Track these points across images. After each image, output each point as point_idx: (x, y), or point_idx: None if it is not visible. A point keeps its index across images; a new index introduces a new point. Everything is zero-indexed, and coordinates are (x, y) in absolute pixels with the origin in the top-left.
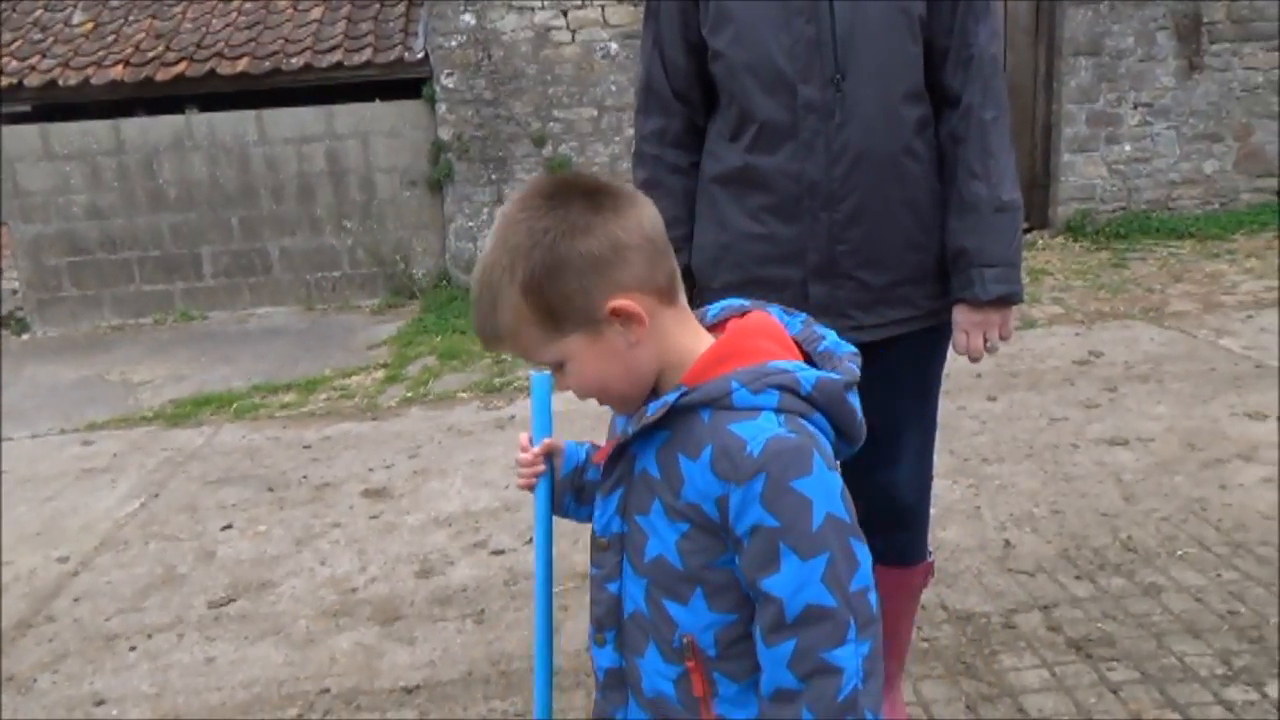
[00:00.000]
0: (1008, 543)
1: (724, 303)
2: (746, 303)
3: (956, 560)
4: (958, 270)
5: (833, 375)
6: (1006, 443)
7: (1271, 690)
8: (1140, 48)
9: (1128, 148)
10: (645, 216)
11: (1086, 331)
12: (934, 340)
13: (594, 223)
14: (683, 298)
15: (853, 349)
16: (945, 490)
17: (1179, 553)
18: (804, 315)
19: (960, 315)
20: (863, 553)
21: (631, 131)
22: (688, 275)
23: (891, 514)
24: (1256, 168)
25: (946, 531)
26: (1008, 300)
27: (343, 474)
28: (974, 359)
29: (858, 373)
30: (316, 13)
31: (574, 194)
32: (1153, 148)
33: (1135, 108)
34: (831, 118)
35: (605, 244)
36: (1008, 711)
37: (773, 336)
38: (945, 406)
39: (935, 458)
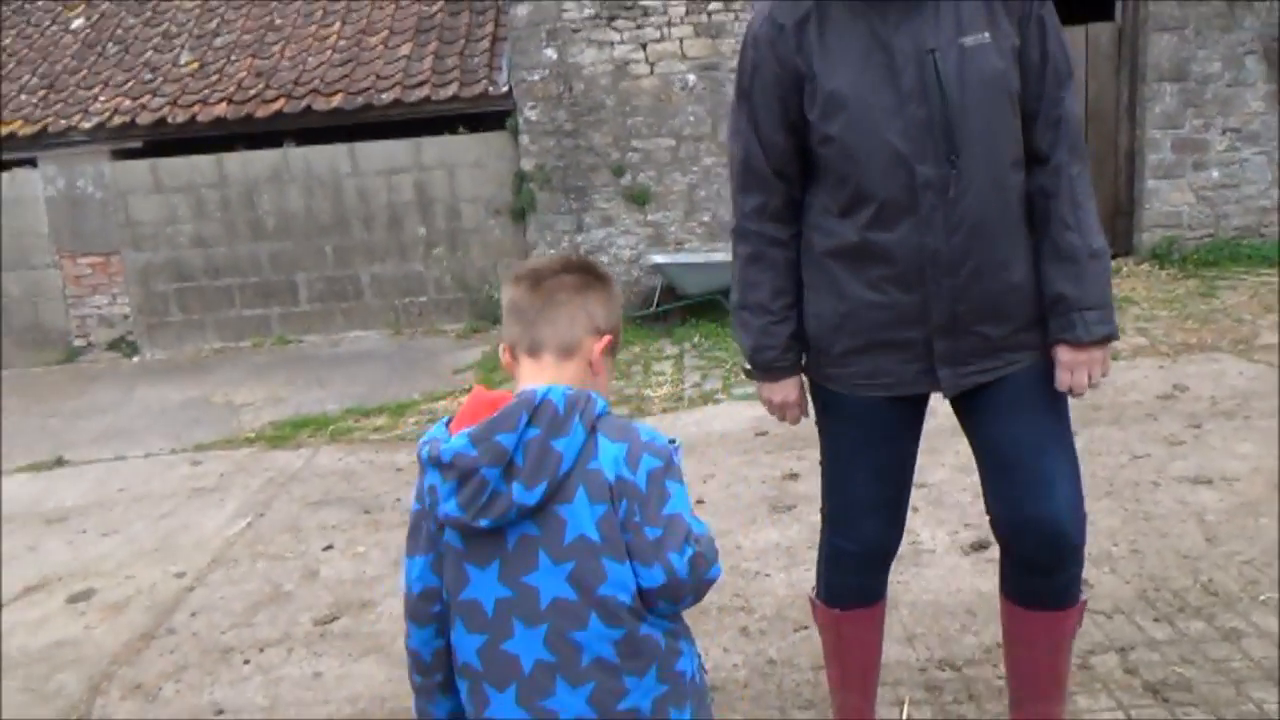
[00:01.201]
0: (1085, 582)
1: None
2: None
3: None
4: (1058, 314)
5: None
6: (1086, 479)
7: None
8: (1228, 73)
9: (1215, 174)
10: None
11: (1171, 364)
12: (1049, 370)
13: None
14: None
15: None
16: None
17: (1261, 598)
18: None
19: (1065, 355)
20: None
21: (709, 161)
22: (798, 341)
23: (1055, 552)
24: None
25: None
26: (1108, 339)
27: None
28: (1077, 395)
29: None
30: (406, 49)
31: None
32: (1241, 173)
33: (1223, 133)
34: (947, 193)
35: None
36: None
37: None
38: None
39: None
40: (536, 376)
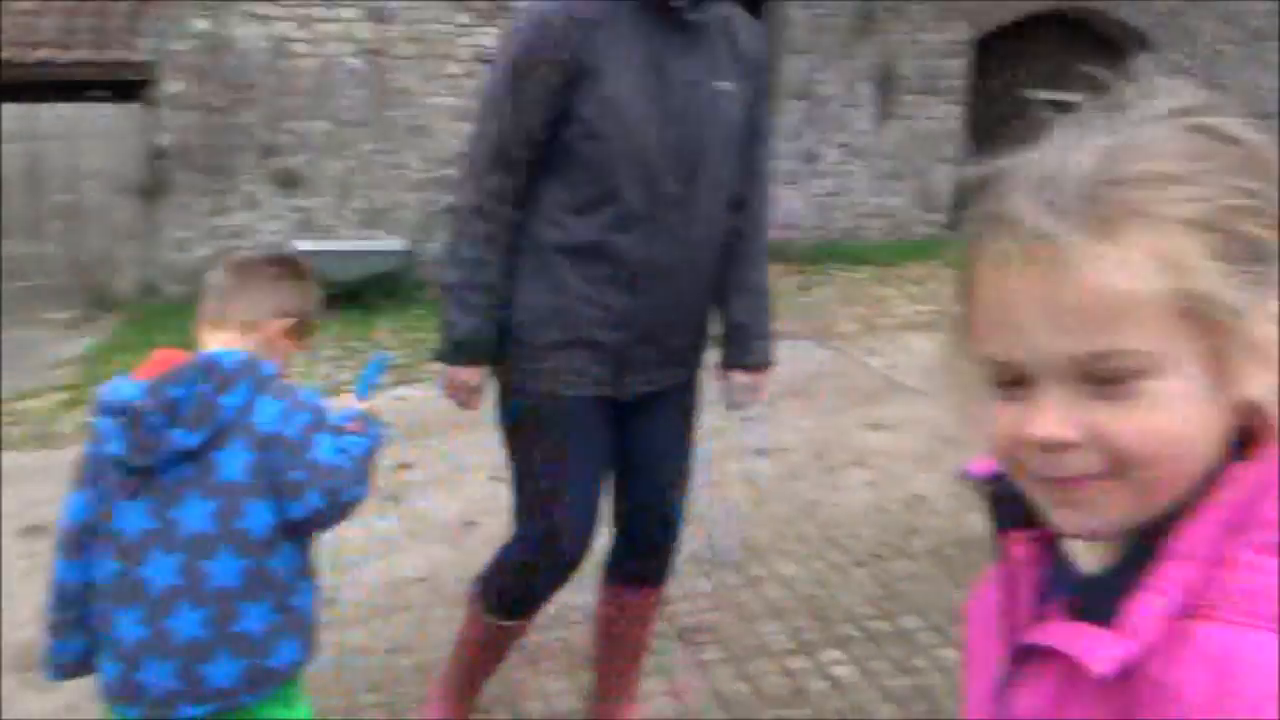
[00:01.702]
0: None
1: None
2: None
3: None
4: (737, 341)
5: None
6: None
7: (825, 657)
8: (844, 94)
9: (828, 183)
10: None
11: None
12: (695, 384)
13: None
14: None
15: None
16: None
17: (785, 548)
18: None
19: (741, 378)
20: None
21: (368, 147)
22: (501, 330)
23: (666, 538)
24: (930, 203)
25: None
26: (772, 364)
27: None
28: (742, 409)
29: None
30: (31, 4)
31: None
32: (848, 183)
33: (836, 147)
34: (682, 210)
35: None
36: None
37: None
38: None
39: None
40: (217, 344)
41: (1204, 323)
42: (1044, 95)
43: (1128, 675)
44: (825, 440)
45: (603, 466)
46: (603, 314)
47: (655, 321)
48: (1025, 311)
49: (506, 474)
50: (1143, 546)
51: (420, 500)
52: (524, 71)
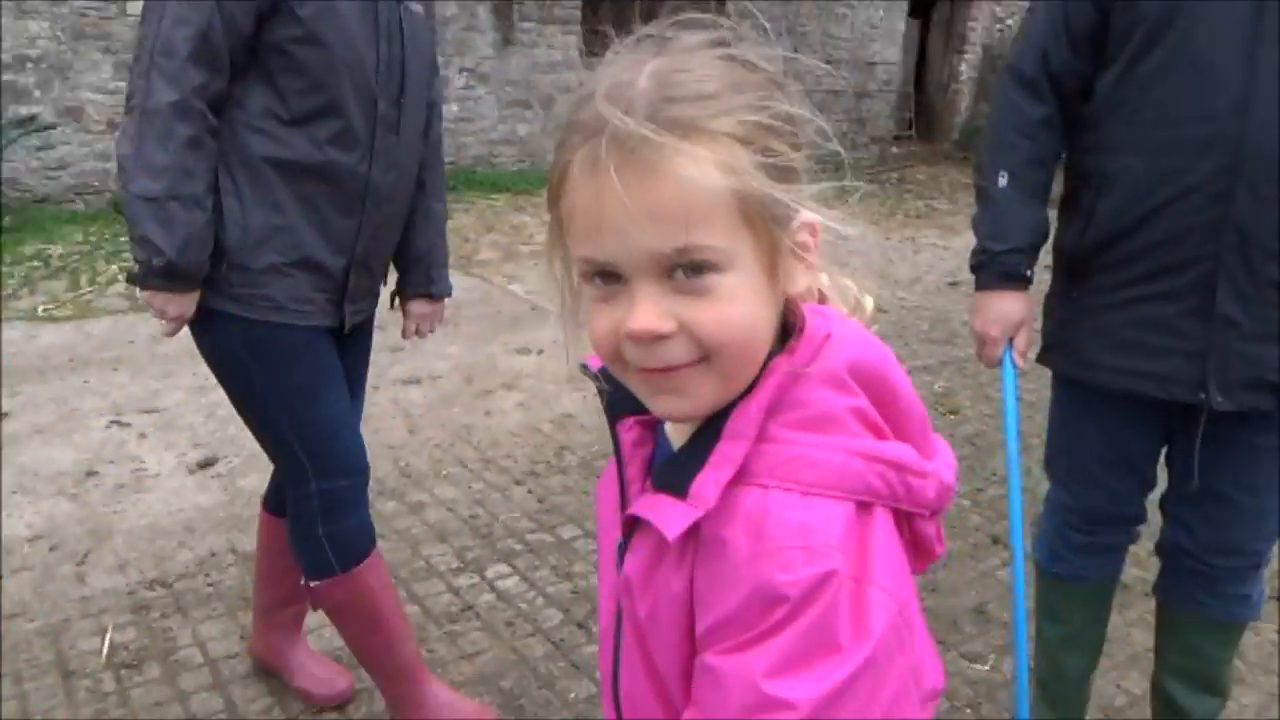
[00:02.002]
0: None
1: None
2: None
3: (252, 505)
4: (418, 269)
5: None
6: None
7: (490, 573)
8: (463, 18)
9: (455, 108)
10: None
11: None
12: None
13: None
14: None
15: None
16: (252, 440)
17: (443, 473)
18: None
19: (421, 307)
20: None
21: None
22: (210, 246)
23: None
24: None
25: (248, 479)
26: (450, 293)
27: None
28: (420, 338)
29: None
30: None
31: None
32: (476, 109)
33: (460, 72)
34: (394, 132)
35: None
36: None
37: None
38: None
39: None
40: None
41: (759, 226)
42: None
43: (695, 537)
44: (474, 366)
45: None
46: (323, 236)
47: (370, 247)
48: (614, 213)
49: (198, 417)
50: (708, 429)
51: (25, 453)
52: None
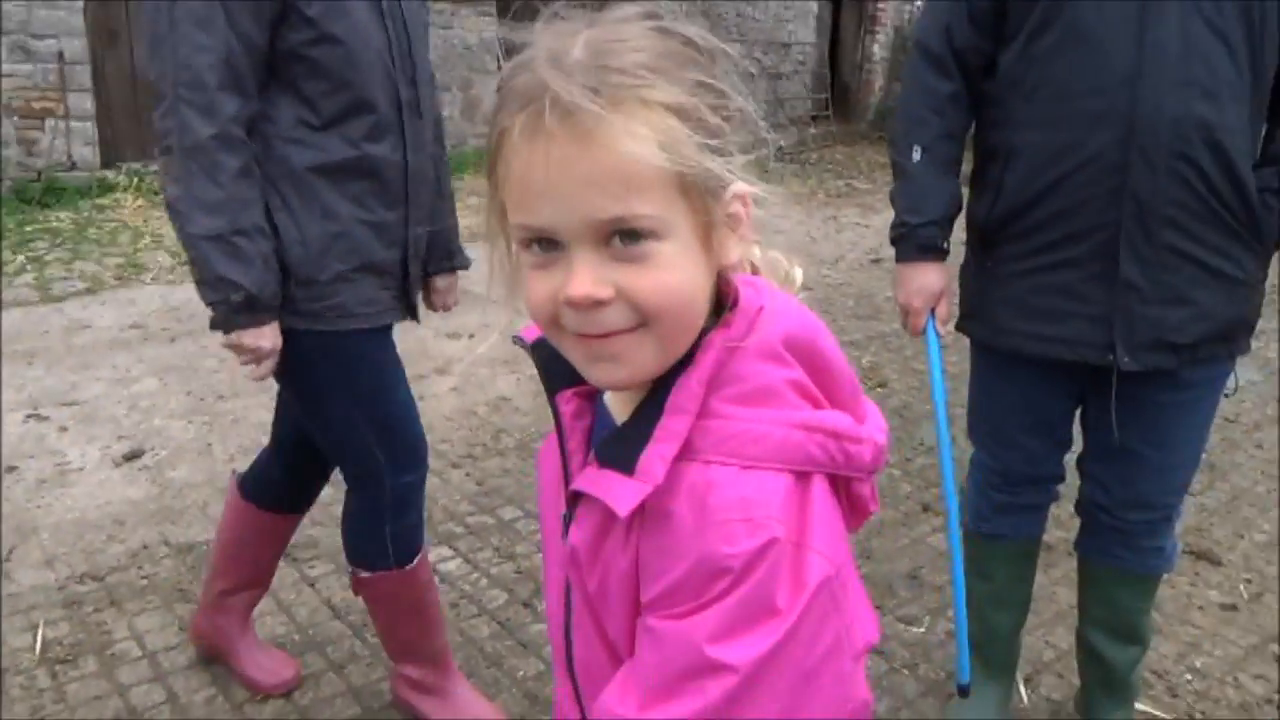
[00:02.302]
0: (235, 473)
1: None
2: None
3: (183, 496)
4: (439, 245)
5: None
6: (243, 379)
7: (433, 555)
8: None
9: None
10: None
11: None
12: None
13: None
14: None
15: None
16: (179, 430)
17: None
18: None
19: (443, 282)
20: None
21: None
22: (279, 268)
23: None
24: (477, 116)
25: (177, 471)
26: (468, 264)
27: None
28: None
29: None
30: None
31: None
32: None
33: None
34: (418, 114)
35: None
36: None
37: None
38: (186, 346)
39: (172, 399)
40: None
41: (693, 197)
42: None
43: (640, 510)
44: (407, 351)
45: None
46: (377, 233)
47: (419, 233)
48: (552, 179)
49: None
50: (650, 403)
51: None
52: None
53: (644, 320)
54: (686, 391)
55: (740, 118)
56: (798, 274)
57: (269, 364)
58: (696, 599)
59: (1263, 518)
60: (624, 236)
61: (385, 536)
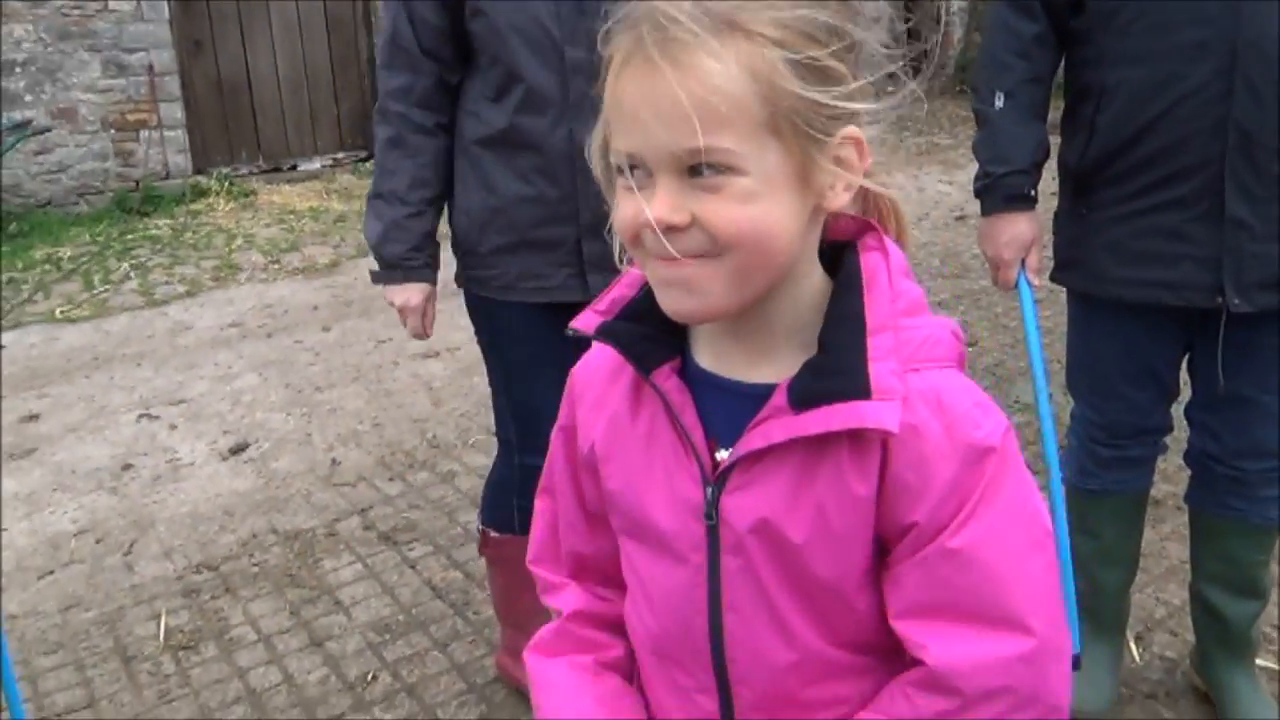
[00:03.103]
0: (334, 461)
1: None
2: None
3: (287, 486)
4: None
5: None
6: (338, 369)
7: None
8: None
9: None
10: None
11: None
12: None
13: None
14: None
15: None
16: (280, 423)
17: (471, 441)
18: None
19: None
20: None
21: None
22: (432, 241)
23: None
24: None
25: (280, 461)
26: None
27: None
28: None
29: None
30: None
31: None
32: None
33: None
34: (596, 80)
35: None
36: (327, 607)
37: None
38: (283, 341)
39: (271, 393)
40: None
41: (787, 134)
42: None
43: (860, 438)
44: None
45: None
46: (540, 209)
47: (599, 210)
48: (641, 107)
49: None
50: (836, 328)
51: (60, 452)
52: None
53: (720, 249)
54: (883, 310)
55: (864, 56)
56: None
57: (414, 321)
58: (975, 490)
59: None
60: (704, 167)
61: (513, 506)
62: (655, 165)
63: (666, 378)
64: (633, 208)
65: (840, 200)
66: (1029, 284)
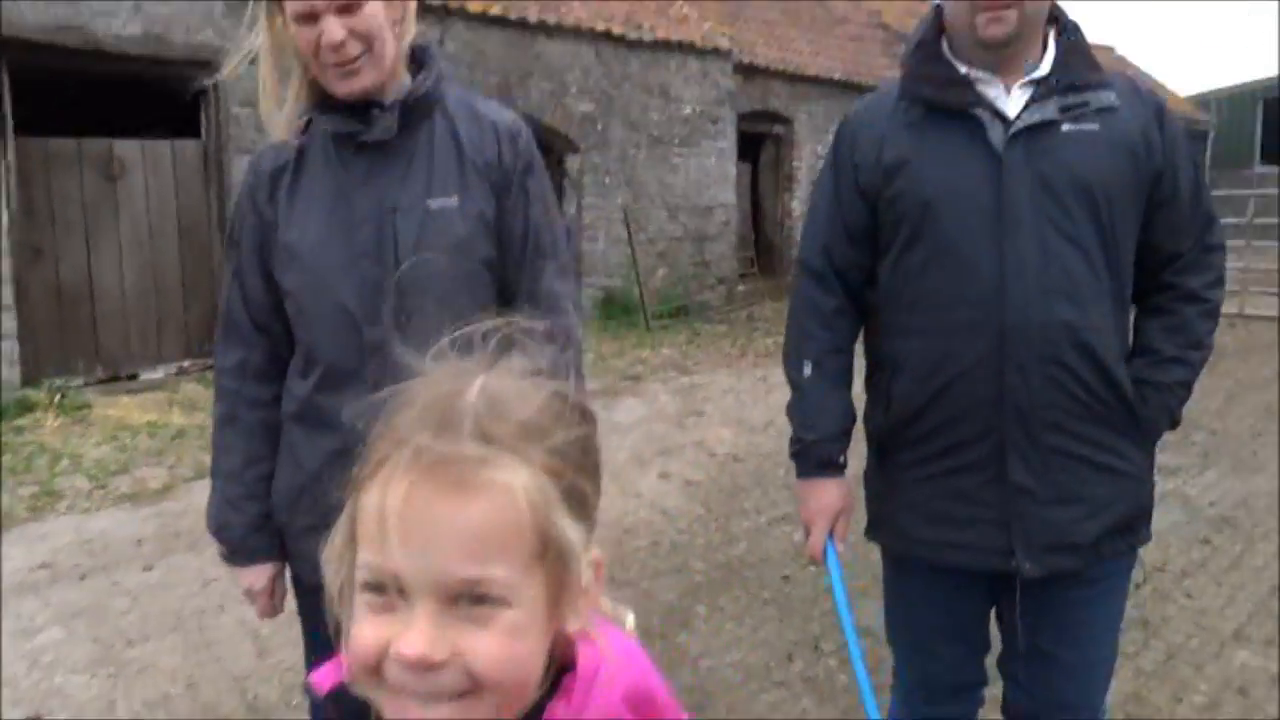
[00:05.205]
0: None
1: None
2: None
3: None
4: None
5: None
6: (155, 617)
7: None
8: None
9: None
10: None
11: None
12: None
13: None
14: None
15: None
16: (81, 688)
17: (294, 702)
18: None
19: None
20: None
21: None
22: (269, 519)
23: None
24: None
25: None
26: None
27: None
28: None
29: None
30: None
31: None
32: None
33: None
34: (393, 360)
35: None
36: None
37: None
38: (98, 584)
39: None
40: None
41: (549, 562)
42: None
43: None
44: None
45: None
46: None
47: None
48: (412, 526)
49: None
50: None
51: None
52: (236, 238)
53: (477, 689)
54: None
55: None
56: (629, 619)
57: (261, 603)
58: None
59: (1199, 676)
60: (471, 598)
61: None
62: (416, 590)
63: None
64: (378, 633)
65: (575, 624)
66: (835, 553)
